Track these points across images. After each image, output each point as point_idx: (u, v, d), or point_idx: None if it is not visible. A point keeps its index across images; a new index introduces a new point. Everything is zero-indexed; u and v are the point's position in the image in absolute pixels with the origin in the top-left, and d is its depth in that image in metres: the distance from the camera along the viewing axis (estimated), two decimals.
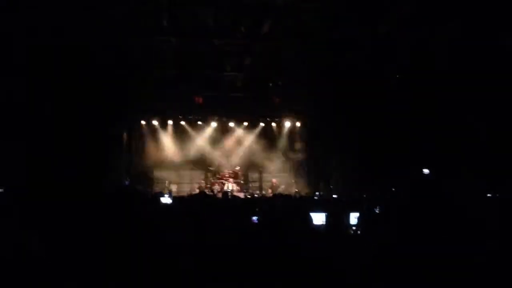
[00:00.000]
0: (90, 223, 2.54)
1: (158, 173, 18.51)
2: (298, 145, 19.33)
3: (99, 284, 2.10)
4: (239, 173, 18.93)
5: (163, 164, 18.34)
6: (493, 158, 10.95)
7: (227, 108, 18.05)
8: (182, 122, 18.95)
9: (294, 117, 19.31)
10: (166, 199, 9.75)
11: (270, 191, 18.42)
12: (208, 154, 18.92)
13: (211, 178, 18.84)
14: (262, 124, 19.48)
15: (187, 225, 3.36)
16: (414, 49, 11.69)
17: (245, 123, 19.34)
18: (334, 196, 14.20)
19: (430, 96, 12.56)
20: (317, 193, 16.94)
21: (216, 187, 17.84)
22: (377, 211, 6.06)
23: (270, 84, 15.83)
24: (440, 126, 12.54)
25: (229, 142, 19.34)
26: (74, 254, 2.15)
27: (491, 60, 10.40)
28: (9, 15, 9.67)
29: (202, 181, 18.58)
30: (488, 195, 8.09)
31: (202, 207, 3.83)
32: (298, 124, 19.52)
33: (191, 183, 18.59)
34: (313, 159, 18.66)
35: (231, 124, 19.35)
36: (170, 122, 18.83)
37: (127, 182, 16.40)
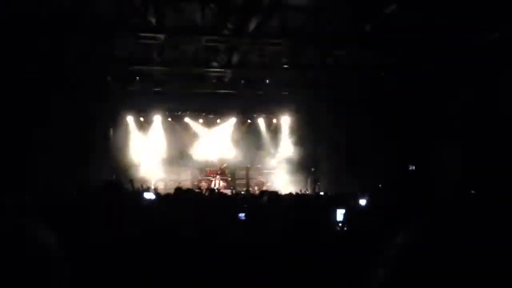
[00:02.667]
0: (78, 219, 2.54)
1: (144, 170, 18.42)
2: (285, 142, 19.37)
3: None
4: (226, 170, 18.93)
5: (150, 160, 18.26)
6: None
7: (215, 105, 18.03)
8: (169, 119, 18.88)
9: (282, 114, 19.35)
10: (149, 195, 9.75)
11: (256, 188, 18.44)
12: (195, 151, 18.88)
13: (198, 175, 18.81)
14: (249, 121, 19.49)
15: (173, 222, 3.36)
16: (403, 44, 11.77)
17: (233, 120, 19.33)
18: (321, 193, 14.27)
19: (418, 91, 12.67)
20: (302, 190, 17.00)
21: (203, 184, 17.81)
22: (363, 206, 6.13)
23: (257, 81, 15.82)
24: (426, 121, 12.66)
25: (216, 138, 19.32)
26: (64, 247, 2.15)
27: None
28: None
29: (188, 179, 18.52)
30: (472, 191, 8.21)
31: (186, 204, 3.82)
32: (285, 121, 19.55)
33: (178, 180, 18.52)
34: (301, 156, 18.71)
35: (218, 121, 19.33)
36: (157, 118, 18.74)
37: (113, 178, 16.30)
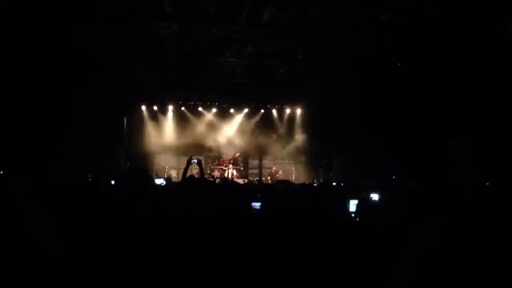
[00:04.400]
0: (97, 207, 2.57)
1: (157, 158, 18.55)
2: (298, 132, 19.36)
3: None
4: (239, 159, 18.99)
5: (163, 149, 18.38)
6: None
7: (228, 95, 18.05)
8: (182, 108, 18.95)
9: (295, 104, 19.32)
10: (159, 180, 9.94)
11: (269, 178, 18.49)
12: (208, 140, 18.95)
13: (211, 164, 18.89)
14: (262, 111, 19.49)
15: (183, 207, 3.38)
16: (416, 37, 11.64)
17: (246, 110, 19.34)
18: (334, 183, 14.24)
19: (430, 83, 12.53)
20: (315, 180, 17.01)
21: (216, 173, 17.90)
22: (375, 199, 6.11)
23: (271, 71, 15.76)
24: (442, 113, 12.52)
25: (229, 128, 19.36)
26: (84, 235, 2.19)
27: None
28: None
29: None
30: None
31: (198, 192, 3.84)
32: (298, 111, 19.52)
33: (190, 169, 18.58)
34: (313, 146, 18.69)
35: (232, 110, 19.35)
36: (170, 107, 18.83)
37: (127, 165, 16.45)
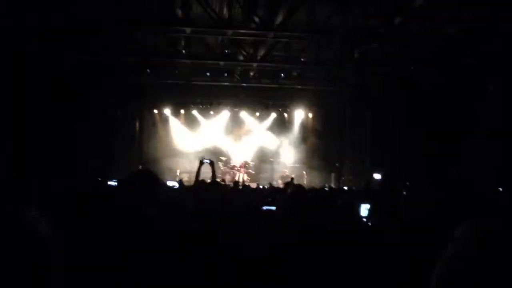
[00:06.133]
0: (108, 209, 2.57)
1: (169, 162, 18.60)
2: (309, 136, 19.30)
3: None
4: (250, 163, 18.96)
5: (174, 153, 18.42)
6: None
7: (239, 98, 18.07)
8: (194, 112, 19.00)
9: (307, 108, 19.28)
10: (172, 183, 9.96)
11: (280, 182, 18.42)
12: (220, 143, 18.96)
13: (222, 168, 18.89)
14: (274, 115, 19.46)
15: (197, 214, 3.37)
16: (429, 40, 11.55)
17: (257, 113, 19.33)
18: (345, 187, 14.15)
19: (447, 87, 12.41)
20: (326, 184, 16.92)
21: (228, 177, 17.88)
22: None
23: (283, 75, 15.74)
24: (455, 118, 12.38)
25: (241, 132, 19.36)
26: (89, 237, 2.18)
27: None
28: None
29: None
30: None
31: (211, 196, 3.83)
32: (310, 115, 19.47)
33: (202, 173, 18.58)
34: (325, 151, 18.62)
35: (243, 114, 19.35)
36: (182, 111, 18.90)
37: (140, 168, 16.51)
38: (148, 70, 14.93)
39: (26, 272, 0.93)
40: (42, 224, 1.00)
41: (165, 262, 2.22)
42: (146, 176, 2.59)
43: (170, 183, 9.61)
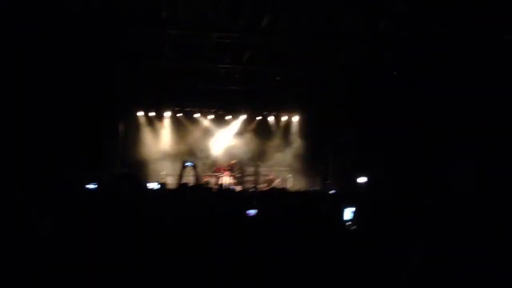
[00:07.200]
0: (92, 211, 2.52)
1: (153, 165, 18.45)
2: (295, 139, 19.33)
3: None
4: (235, 166, 18.92)
5: (159, 155, 18.29)
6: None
7: (224, 101, 18.03)
8: (179, 114, 18.91)
9: (292, 111, 19.32)
10: (153, 184, 9.90)
11: (265, 185, 18.42)
12: (204, 147, 18.89)
13: (207, 171, 18.81)
14: (259, 118, 19.46)
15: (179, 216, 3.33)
16: (414, 44, 11.64)
17: (242, 117, 19.31)
18: (330, 192, 14.18)
19: (430, 90, 12.49)
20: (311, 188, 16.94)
21: (212, 180, 17.82)
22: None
23: (267, 78, 15.75)
24: (441, 123, 12.46)
25: (225, 135, 19.32)
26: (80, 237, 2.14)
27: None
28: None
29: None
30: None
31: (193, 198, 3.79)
32: (295, 118, 19.52)
33: (187, 176, 18.50)
34: (310, 154, 18.65)
35: (228, 117, 19.32)
36: (166, 114, 18.78)
37: (124, 171, 16.35)
38: (132, 72, 14.81)
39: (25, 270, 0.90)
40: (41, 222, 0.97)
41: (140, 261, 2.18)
42: (127, 179, 2.55)
43: (150, 185, 9.56)
